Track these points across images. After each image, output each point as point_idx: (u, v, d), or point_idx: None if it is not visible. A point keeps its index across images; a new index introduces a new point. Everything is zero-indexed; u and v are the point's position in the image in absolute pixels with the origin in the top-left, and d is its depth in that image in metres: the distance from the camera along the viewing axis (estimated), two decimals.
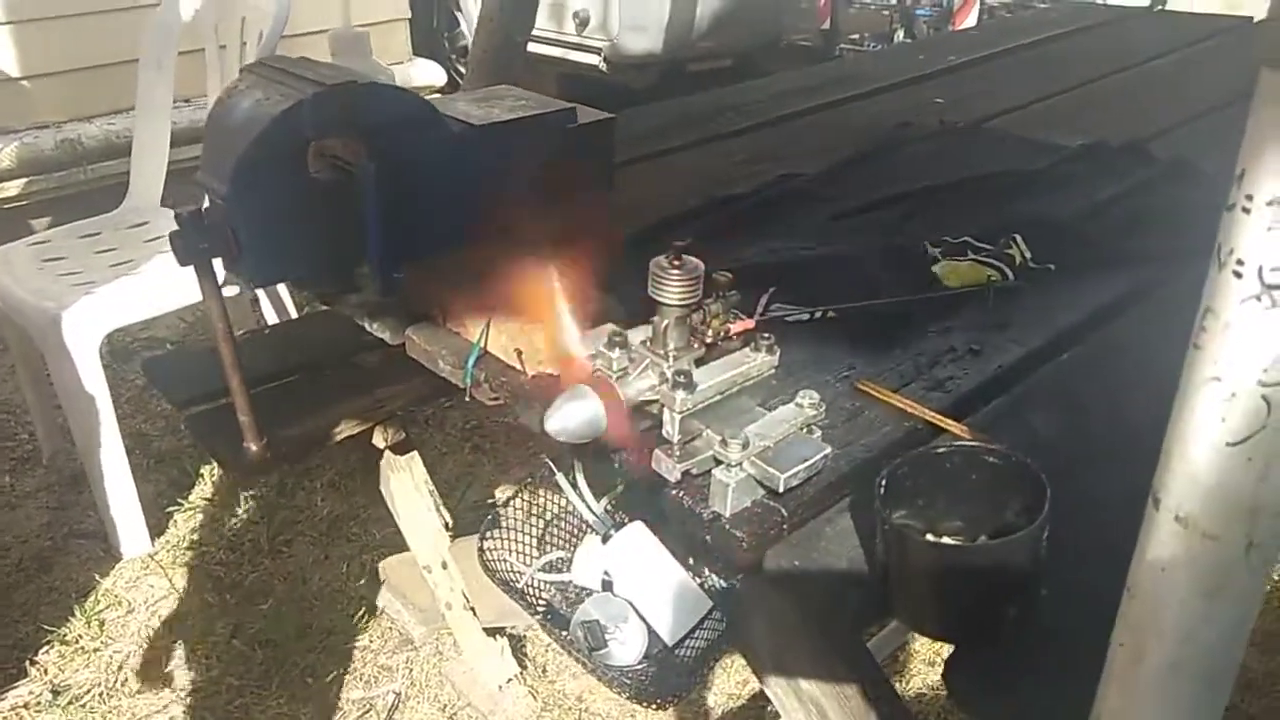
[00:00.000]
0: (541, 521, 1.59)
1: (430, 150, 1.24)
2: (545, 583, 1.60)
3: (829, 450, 0.90)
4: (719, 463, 0.90)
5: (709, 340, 0.92)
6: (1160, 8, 4.56)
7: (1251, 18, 2.98)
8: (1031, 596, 0.76)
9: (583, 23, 5.30)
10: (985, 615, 0.74)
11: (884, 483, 0.78)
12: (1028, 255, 1.36)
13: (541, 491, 1.58)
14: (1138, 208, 1.53)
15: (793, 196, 1.62)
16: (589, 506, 1.57)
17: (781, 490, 0.87)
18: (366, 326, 1.29)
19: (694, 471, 0.92)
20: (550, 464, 1.58)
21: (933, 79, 2.42)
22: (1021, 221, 1.45)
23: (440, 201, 1.25)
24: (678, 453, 0.91)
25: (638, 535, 1.45)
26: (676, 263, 0.88)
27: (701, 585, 1.47)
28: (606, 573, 1.49)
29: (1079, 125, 2.00)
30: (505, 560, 1.51)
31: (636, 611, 1.33)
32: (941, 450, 0.81)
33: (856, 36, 5.33)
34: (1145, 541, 0.62)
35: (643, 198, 1.62)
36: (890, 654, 1.90)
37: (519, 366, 1.10)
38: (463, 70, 5.46)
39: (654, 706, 1.32)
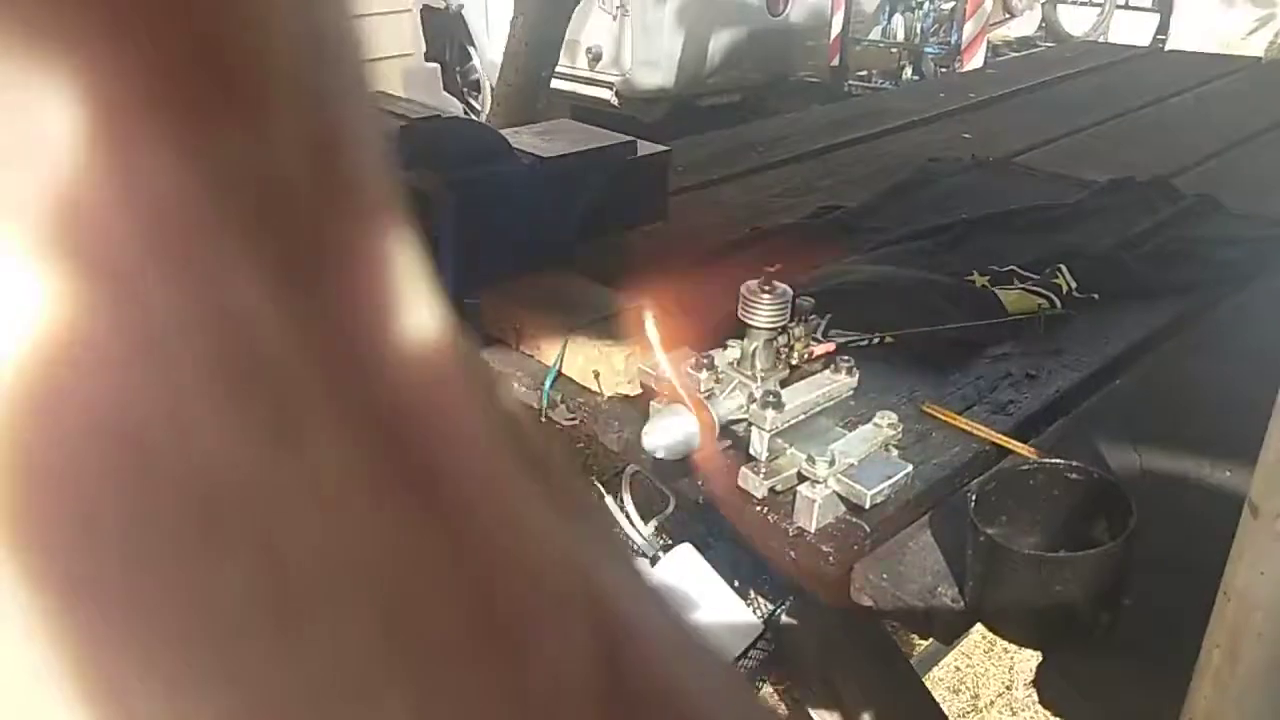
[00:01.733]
0: None
1: (503, 181, 1.29)
2: None
3: (910, 468, 0.95)
4: (804, 480, 0.94)
5: (794, 362, 0.96)
6: (1161, 48, 4.67)
7: (1260, 59, 3.06)
8: (1117, 606, 0.80)
9: (595, 58, 5.40)
10: (1077, 623, 0.78)
11: (974, 498, 0.82)
12: (1073, 285, 1.41)
13: None
14: (1169, 240, 1.58)
15: (835, 227, 1.67)
16: (637, 529, 1.60)
17: (868, 506, 0.92)
18: None
19: (778, 489, 0.96)
20: (599, 487, 1.62)
21: (956, 115, 2.48)
22: (1061, 252, 1.51)
23: (510, 229, 1.31)
24: (764, 470, 0.96)
25: (687, 557, 1.49)
26: (767, 287, 0.93)
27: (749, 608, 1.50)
28: None
29: (1103, 161, 2.06)
30: None
31: None
32: (1026, 468, 0.86)
33: (865, 74, 5.44)
34: (1242, 547, 0.66)
35: (686, 229, 1.67)
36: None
37: (596, 388, 1.15)
38: (474, 104, 5.56)
39: None
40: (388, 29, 4.26)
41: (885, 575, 0.89)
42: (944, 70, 5.10)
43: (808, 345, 0.97)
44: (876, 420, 0.97)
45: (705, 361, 0.97)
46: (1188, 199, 1.75)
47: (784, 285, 0.93)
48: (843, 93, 5.22)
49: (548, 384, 1.18)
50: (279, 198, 0.11)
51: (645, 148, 1.48)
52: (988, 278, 1.43)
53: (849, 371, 0.98)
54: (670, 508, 1.59)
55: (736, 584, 1.48)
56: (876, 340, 1.28)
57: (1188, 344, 1.31)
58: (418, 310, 0.14)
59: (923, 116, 2.43)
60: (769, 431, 0.93)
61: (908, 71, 5.24)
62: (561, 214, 1.38)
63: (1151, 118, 2.48)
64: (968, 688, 1.98)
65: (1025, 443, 1.08)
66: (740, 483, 0.96)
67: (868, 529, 0.94)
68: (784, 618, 1.46)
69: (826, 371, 0.98)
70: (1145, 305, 1.39)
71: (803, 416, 0.95)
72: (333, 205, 0.12)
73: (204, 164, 0.11)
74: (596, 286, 1.27)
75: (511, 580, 0.13)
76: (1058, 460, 0.85)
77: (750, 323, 0.94)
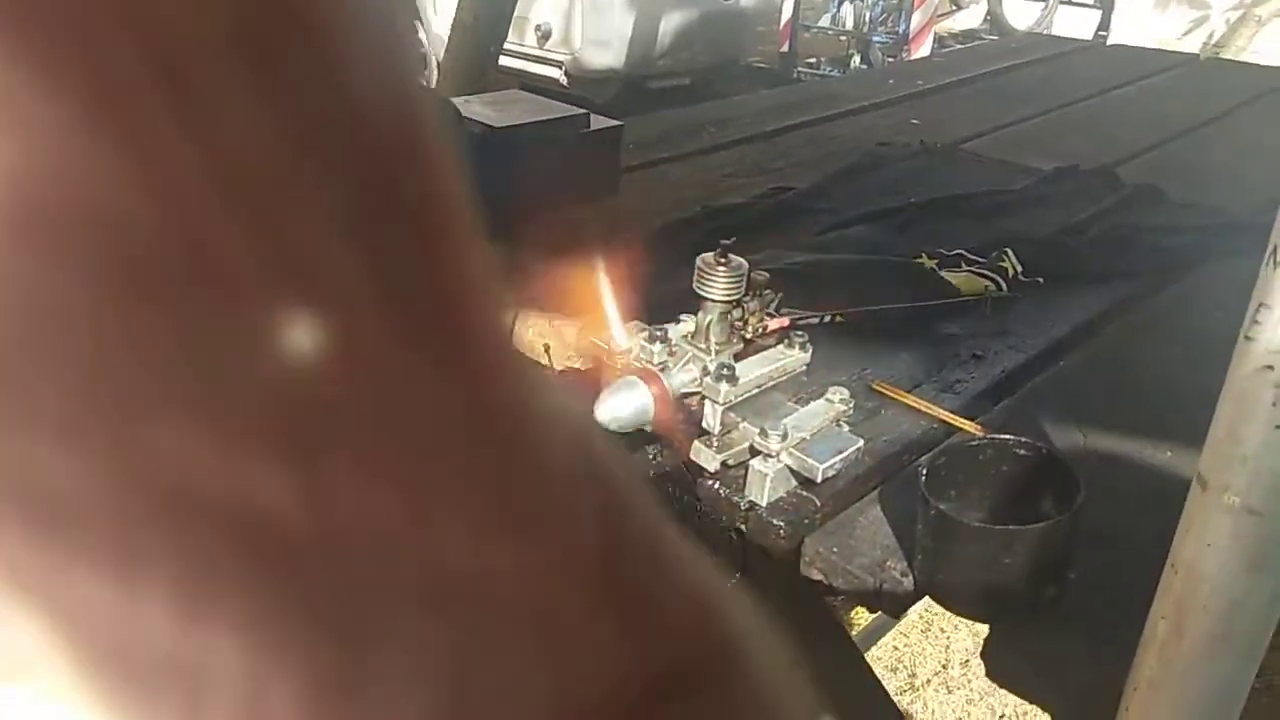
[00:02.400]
0: None
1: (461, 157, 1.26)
2: None
3: (860, 443, 0.95)
4: (756, 454, 0.93)
5: (748, 336, 0.95)
6: (1103, 43, 4.77)
7: (1197, 55, 3.14)
8: (1064, 580, 0.80)
9: (545, 36, 5.34)
10: (1025, 597, 0.78)
11: (925, 473, 0.83)
12: (1019, 268, 1.42)
13: None
14: (1113, 227, 1.61)
15: (785, 208, 1.67)
16: None
17: (819, 480, 0.91)
18: None
19: (730, 463, 0.95)
20: None
21: (904, 102, 2.50)
22: (1007, 237, 1.52)
23: None
24: (716, 444, 0.95)
25: None
26: (723, 260, 0.92)
27: None
28: None
29: (1048, 149, 2.10)
30: None
31: None
32: (976, 443, 0.86)
33: (813, 60, 5.46)
34: (1190, 520, 0.66)
35: (637, 205, 1.65)
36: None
37: (546, 361, 1.13)
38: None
39: None
40: None
41: (835, 549, 0.89)
42: (891, 59, 5.15)
43: (762, 320, 0.97)
44: (829, 396, 0.97)
45: (659, 334, 0.96)
46: (1130, 188, 1.78)
47: (739, 258, 0.92)
48: (791, 78, 5.23)
49: None
50: None
51: (599, 121, 1.45)
52: (936, 260, 1.44)
53: (802, 347, 0.98)
54: None
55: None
56: (827, 319, 1.28)
57: (1131, 328, 1.33)
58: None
59: (872, 102, 2.45)
60: (722, 405, 0.92)
61: (856, 60, 5.27)
62: (512, 186, 1.35)
63: (1094, 109, 2.52)
64: (905, 666, 2.01)
65: (972, 421, 1.09)
66: (693, 456, 0.95)
67: (818, 503, 0.94)
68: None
69: (780, 346, 0.98)
70: (1089, 289, 1.42)
71: (756, 391, 0.95)
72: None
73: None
74: (547, 259, 1.25)
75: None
76: (1007, 436, 0.85)
77: (705, 295, 0.93)
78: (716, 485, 0.96)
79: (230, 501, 0.13)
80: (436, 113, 0.15)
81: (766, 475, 0.92)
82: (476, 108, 1.36)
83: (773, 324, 0.97)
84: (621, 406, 0.89)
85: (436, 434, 0.14)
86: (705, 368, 0.93)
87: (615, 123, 1.48)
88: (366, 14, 0.14)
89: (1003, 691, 1.32)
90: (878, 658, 1.98)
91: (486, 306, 0.16)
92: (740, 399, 0.93)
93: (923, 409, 1.09)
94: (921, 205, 1.68)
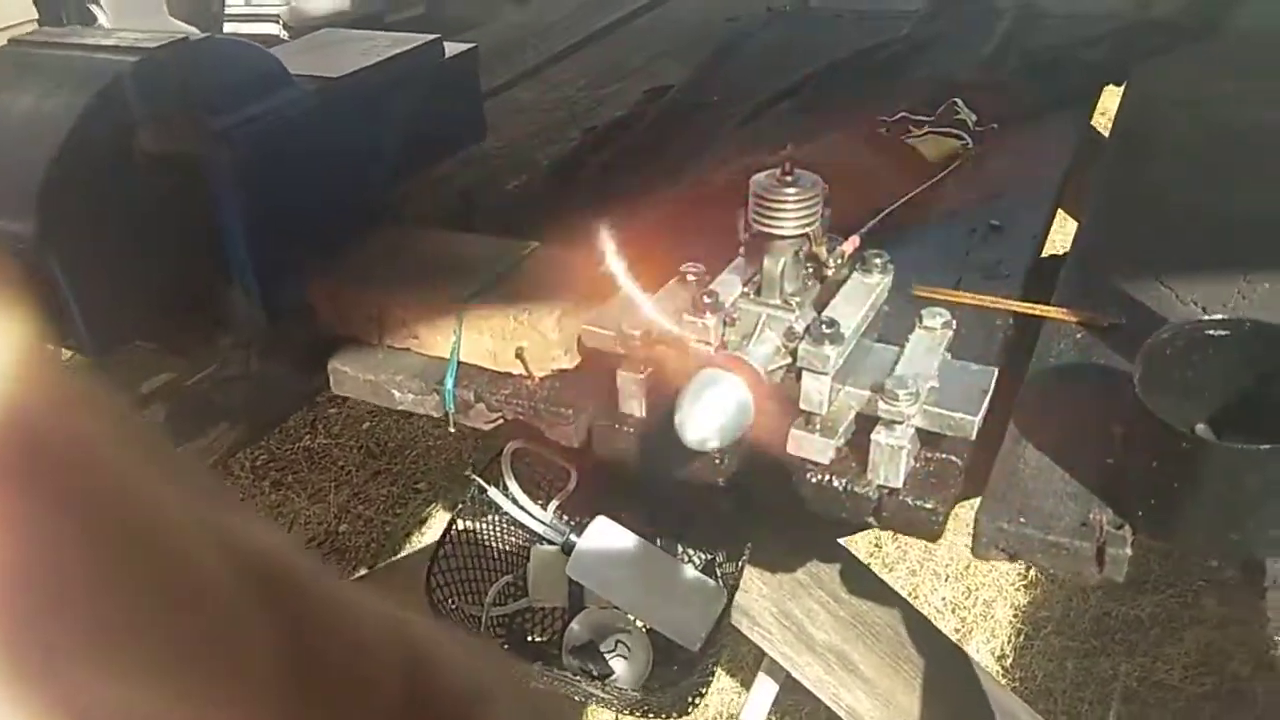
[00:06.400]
0: (489, 548, 1.34)
1: (294, 118, 0.92)
2: (502, 616, 1.37)
3: (995, 372, 0.73)
4: (880, 422, 0.70)
5: (829, 273, 0.71)
6: None
7: None
8: None
9: None
10: None
11: (1139, 384, 0.62)
12: (973, 117, 1.24)
13: (474, 517, 1.34)
14: (1031, 54, 1.46)
15: (678, 110, 1.41)
16: (535, 515, 1.33)
17: (974, 436, 0.69)
18: (257, 369, 0.95)
19: (842, 444, 0.72)
20: (476, 478, 1.33)
21: None
22: (929, 88, 1.34)
23: (313, 182, 0.94)
24: (821, 425, 0.70)
25: (608, 532, 1.24)
26: (789, 177, 0.66)
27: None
28: (573, 584, 1.28)
29: None
30: (456, 604, 1.28)
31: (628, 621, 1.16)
32: (1215, 330, 0.65)
33: None
34: None
35: (508, 146, 1.35)
36: None
37: (522, 370, 0.84)
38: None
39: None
40: None
41: (1022, 517, 0.68)
42: None
43: (834, 246, 0.72)
44: (926, 322, 0.74)
45: (708, 300, 0.69)
46: (1011, 10, 1.64)
47: (812, 174, 0.67)
48: None
49: (449, 381, 0.85)
50: None
51: (451, 47, 1.13)
52: (884, 129, 1.23)
53: (884, 269, 0.74)
54: (573, 484, 1.33)
55: (662, 544, 1.25)
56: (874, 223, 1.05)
57: (1127, 143, 1.19)
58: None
59: None
60: (829, 374, 0.67)
61: None
62: (372, 150, 1.02)
63: None
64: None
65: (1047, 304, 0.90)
66: (794, 449, 0.71)
67: (960, 463, 0.73)
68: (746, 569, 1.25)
69: (857, 274, 0.74)
70: (1052, 122, 1.26)
71: (854, 344, 0.71)
72: None
73: None
74: (468, 235, 0.94)
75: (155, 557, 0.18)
76: (1231, 318, 0.65)
77: (771, 230, 0.67)
78: (829, 479, 0.72)
79: None
80: None
81: (901, 449, 0.69)
82: (298, 58, 1.00)
83: (845, 246, 0.73)
84: (716, 415, 0.62)
85: None
86: (790, 330, 0.68)
87: (468, 45, 1.16)
88: None
89: None
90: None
91: None
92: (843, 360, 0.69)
93: (1001, 306, 0.88)
94: (819, 75, 1.46)
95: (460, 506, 1.32)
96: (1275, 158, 1.12)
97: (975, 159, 1.18)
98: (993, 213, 1.06)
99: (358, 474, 2.63)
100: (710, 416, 0.61)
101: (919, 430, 0.70)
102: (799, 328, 0.67)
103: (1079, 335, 0.85)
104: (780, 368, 0.69)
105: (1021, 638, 2.06)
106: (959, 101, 1.24)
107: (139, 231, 0.83)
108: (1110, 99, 1.39)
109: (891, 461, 0.70)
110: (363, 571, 2.25)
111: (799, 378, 0.68)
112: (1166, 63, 1.40)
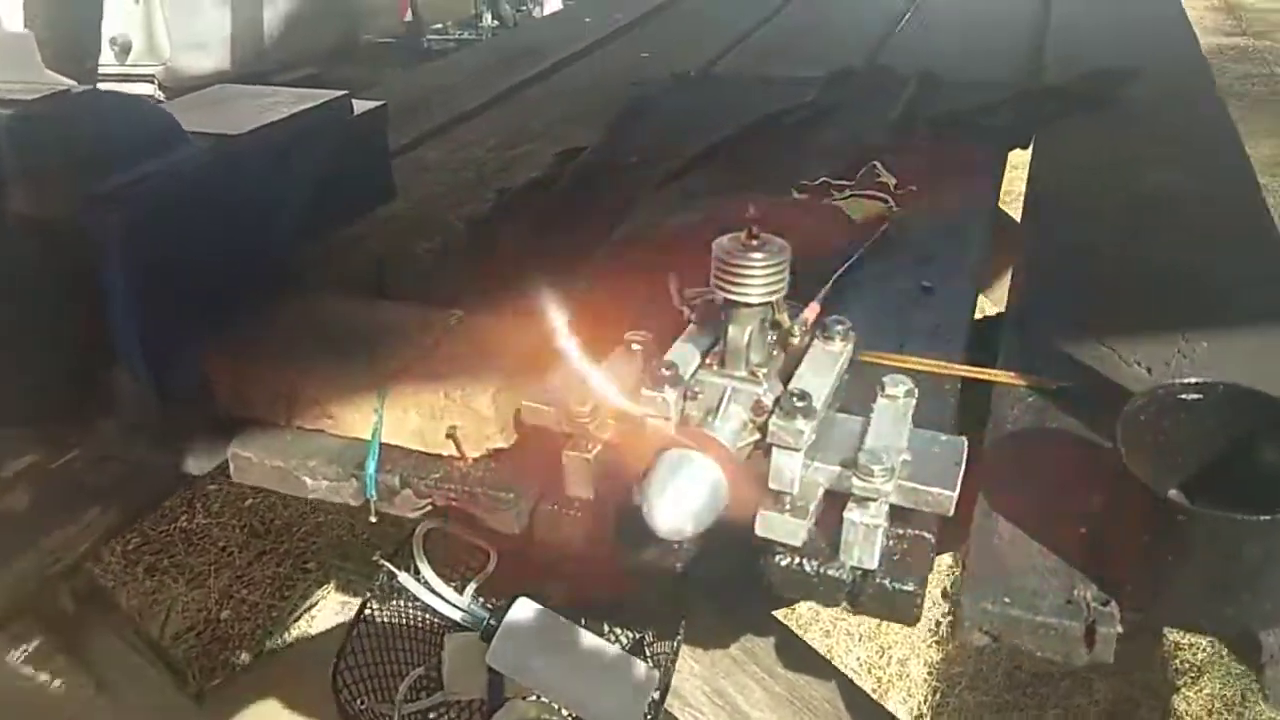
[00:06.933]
0: (401, 639, 1.25)
1: (189, 176, 0.83)
2: (416, 714, 1.27)
3: (964, 442, 0.69)
4: (853, 500, 0.65)
5: (795, 340, 0.66)
6: None
7: None
8: None
9: (124, 49, 4.50)
10: None
11: (1124, 453, 0.59)
12: (893, 180, 1.24)
13: (384, 605, 1.25)
14: (937, 121, 1.48)
15: (594, 172, 1.37)
16: (451, 601, 1.24)
17: (953, 512, 0.65)
18: (147, 460, 0.85)
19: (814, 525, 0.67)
20: (386, 564, 1.25)
21: (616, 39, 2.26)
22: (841, 152, 1.34)
23: (212, 245, 0.85)
24: (791, 505, 0.65)
25: (532, 614, 1.16)
26: (755, 241, 0.61)
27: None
28: (493, 673, 1.20)
29: (794, 56, 1.96)
30: (366, 704, 1.18)
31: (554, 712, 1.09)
32: (1187, 394, 0.63)
33: (441, 26, 5.08)
34: None
35: (423, 208, 1.27)
36: None
37: (456, 451, 0.76)
38: None
39: None
40: None
41: (1006, 597, 0.64)
42: (521, 11, 4.90)
43: (794, 315, 0.68)
44: (889, 391, 0.70)
45: (666, 373, 0.64)
46: (913, 78, 1.67)
47: (775, 238, 0.62)
48: (424, 49, 4.83)
49: (370, 465, 0.77)
50: None
51: (359, 105, 1.06)
52: (804, 195, 1.22)
53: (845, 336, 0.70)
54: (492, 564, 1.25)
55: (587, 624, 1.18)
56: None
57: (1039, 205, 1.21)
58: None
59: (585, 45, 2.18)
60: (801, 450, 0.62)
61: (488, 17, 4.97)
62: (276, 213, 0.94)
63: (802, 10, 2.43)
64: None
65: (994, 369, 0.88)
66: (763, 532, 0.65)
67: (931, 538, 0.69)
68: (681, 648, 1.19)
69: (818, 343, 0.70)
70: (965, 183, 1.27)
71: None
72: None
73: None
74: (385, 304, 0.87)
75: None
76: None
77: (738, 297, 0.62)
78: (799, 562, 0.67)
79: None
80: None
81: (877, 527, 0.64)
82: (192, 115, 0.92)
83: (808, 313, 0.68)
84: (689, 500, 0.56)
85: None
86: (758, 403, 0.63)
87: (377, 102, 1.09)
88: None
89: None
90: None
91: None
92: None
93: (952, 371, 0.86)
94: (733, 139, 1.45)
95: (368, 595, 1.23)
96: (1185, 218, 1.16)
97: (900, 222, 1.17)
98: (924, 275, 1.05)
99: (240, 555, 2.45)
100: (683, 502, 0.56)
101: (898, 509, 0.66)
102: (768, 401, 0.62)
103: (1030, 399, 0.84)
104: (748, 444, 0.64)
105: (937, 696, 2.05)
106: (879, 164, 1.24)
107: (7, 303, 0.72)
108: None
109: (866, 541, 0.65)
110: (245, 658, 2.08)
111: (767, 454, 0.63)
112: (1066, 128, 1.44)
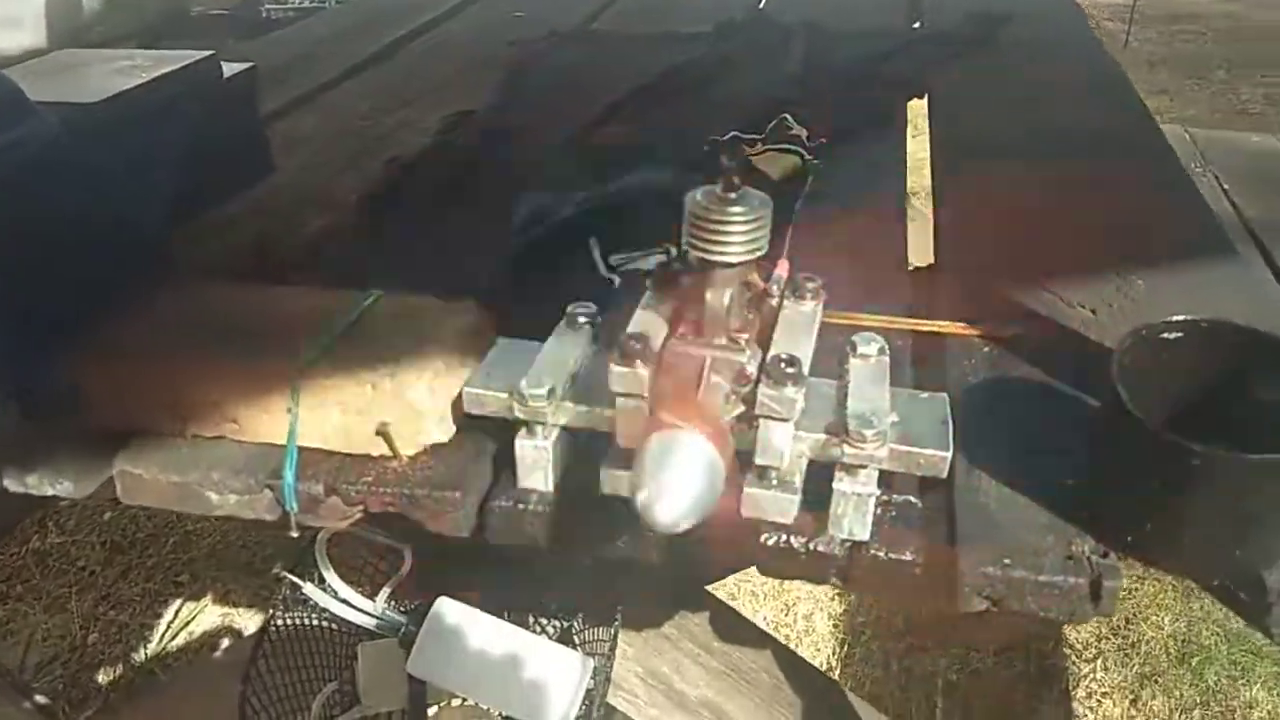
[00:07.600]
0: (311, 653, 1.16)
1: (38, 152, 0.71)
2: None
3: (946, 399, 0.66)
4: (841, 470, 0.60)
5: (774, 301, 0.60)
6: None
7: None
8: None
9: None
10: None
11: (1127, 398, 0.56)
12: (804, 132, 1.20)
13: (290, 619, 1.16)
14: (838, 69, 1.45)
15: (491, 138, 1.27)
16: (362, 609, 1.16)
17: (945, 475, 0.61)
18: (17, 487, 0.72)
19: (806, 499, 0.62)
20: (288, 575, 1.16)
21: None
22: (746, 105, 1.29)
23: (69, 229, 0.73)
24: (779, 479, 0.60)
25: (455, 615, 1.10)
26: (733, 194, 0.55)
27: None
28: (414, 682, 1.13)
29: (673, 12, 1.90)
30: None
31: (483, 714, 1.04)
32: (1170, 334, 0.61)
33: None
34: None
35: (302, 180, 1.15)
36: None
37: (390, 450, 0.67)
38: None
39: None
40: None
41: (1006, 559, 0.61)
42: None
43: (768, 273, 0.62)
44: (862, 350, 0.65)
45: (636, 346, 0.57)
46: (800, 28, 1.64)
47: (756, 190, 0.56)
48: (263, 19, 4.52)
49: (288, 474, 0.67)
50: None
51: (230, 66, 0.94)
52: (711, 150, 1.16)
53: (816, 294, 0.65)
54: (408, 565, 1.17)
55: (511, 618, 1.12)
56: (674, 251, 0.95)
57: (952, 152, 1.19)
58: None
59: (451, 6, 2.05)
60: (792, 420, 0.57)
61: None
62: (142, 189, 0.82)
63: None
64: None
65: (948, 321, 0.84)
66: (750, 511, 0.60)
67: (920, 505, 0.65)
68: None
69: (789, 303, 0.64)
70: (874, 132, 1.24)
71: None
72: None
73: None
74: (286, 289, 0.76)
75: None
76: (1193, 318, 0.61)
77: (714, 257, 0.56)
78: (787, 539, 0.61)
79: None
80: None
81: (869, 496, 0.60)
82: (39, 84, 0.78)
83: (780, 271, 0.63)
84: (689, 486, 0.50)
85: None
86: (742, 371, 0.57)
87: (246, 64, 0.97)
88: None
89: None
90: None
91: None
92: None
93: (906, 325, 0.82)
94: (633, 97, 1.38)
95: (272, 611, 1.13)
96: (1092, 153, 1.16)
97: (819, 174, 1.13)
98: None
99: (103, 573, 2.26)
100: (683, 489, 0.49)
101: (890, 474, 0.61)
102: (752, 369, 0.56)
103: (985, 349, 0.81)
104: (731, 419, 0.58)
105: (845, 647, 2.08)
106: (788, 117, 1.20)
107: None
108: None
109: (858, 511, 0.60)
110: (106, 679, 1.92)
111: (749, 426, 0.58)
112: (955, 72, 1.43)
